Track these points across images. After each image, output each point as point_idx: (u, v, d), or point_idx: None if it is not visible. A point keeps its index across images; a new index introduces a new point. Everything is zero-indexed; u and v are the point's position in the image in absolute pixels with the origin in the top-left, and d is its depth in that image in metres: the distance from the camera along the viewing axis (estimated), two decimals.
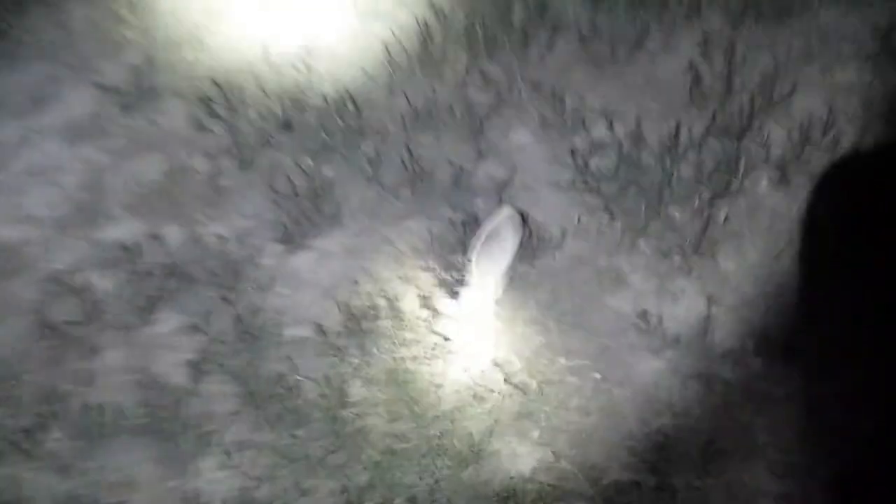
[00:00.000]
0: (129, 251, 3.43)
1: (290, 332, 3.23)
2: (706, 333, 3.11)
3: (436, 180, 3.59)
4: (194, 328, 3.21)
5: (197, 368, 3.12)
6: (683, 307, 3.25)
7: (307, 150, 3.69)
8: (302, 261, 3.45)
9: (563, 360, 3.14)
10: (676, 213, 3.39)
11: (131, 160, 3.77)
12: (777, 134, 3.49)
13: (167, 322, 3.28)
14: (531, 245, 3.35)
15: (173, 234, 3.55)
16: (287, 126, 3.77)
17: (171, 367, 3.16)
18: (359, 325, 3.12)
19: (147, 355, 3.20)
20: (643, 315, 3.21)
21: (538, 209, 3.53)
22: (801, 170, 3.43)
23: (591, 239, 3.43)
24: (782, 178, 3.41)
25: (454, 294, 3.27)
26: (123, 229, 3.55)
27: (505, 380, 3.05)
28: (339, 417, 2.91)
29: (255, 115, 3.85)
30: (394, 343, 3.10)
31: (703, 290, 3.26)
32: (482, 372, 3.09)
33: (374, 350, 3.08)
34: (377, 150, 3.66)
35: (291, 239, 3.46)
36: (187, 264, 3.39)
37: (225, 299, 3.28)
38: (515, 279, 3.33)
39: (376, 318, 3.16)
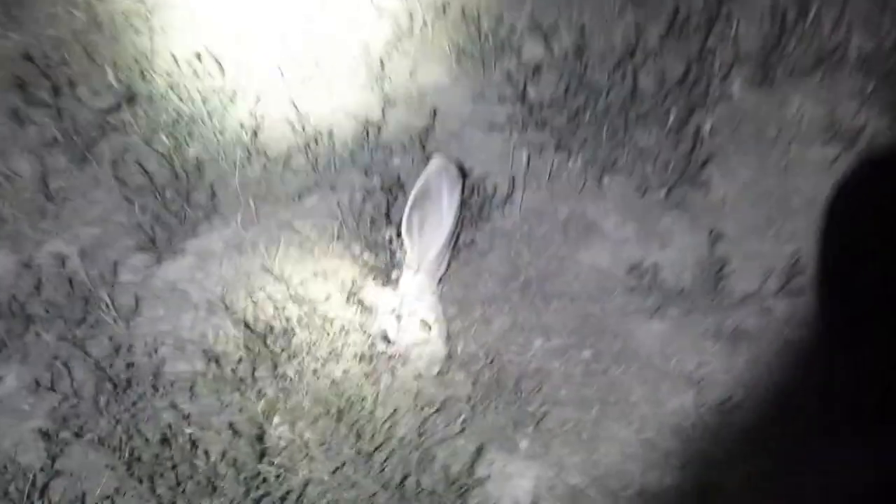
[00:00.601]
0: None
1: (172, 368, 2.36)
2: (715, 278, 2.43)
3: (336, 140, 2.77)
4: (39, 385, 2.29)
5: (52, 440, 2.21)
6: (676, 250, 2.57)
7: (160, 126, 2.79)
8: (174, 270, 2.59)
9: (539, 342, 2.42)
10: (645, 137, 2.69)
11: None
12: (747, 24, 2.84)
13: (3, 382, 2.35)
14: (473, 204, 2.59)
15: None
16: (130, 100, 2.86)
17: (18, 442, 2.24)
18: (265, 345, 2.29)
19: None
20: (632, 269, 2.51)
21: (474, 158, 2.79)
22: (782, 63, 2.79)
23: (545, 185, 2.72)
24: (761, 76, 2.76)
25: (387, 281, 2.48)
26: None
27: (473, 381, 2.29)
28: (257, 477, 2.07)
29: (87, 92, 2.91)
30: (317, 360, 2.29)
31: (696, 224, 2.59)
32: (441, 376, 2.32)
33: (292, 375, 2.25)
34: (253, 112, 2.81)
35: (156, 244, 2.57)
36: (19, 299, 2.44)
37: (74, 340, 2.37)
38: (461, 250, 2.57)
39: (288, 330, 2.33)
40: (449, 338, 2.40)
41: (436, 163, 2.38)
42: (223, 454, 2.15)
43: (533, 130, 2.77)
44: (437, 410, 2.27)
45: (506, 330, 2.45)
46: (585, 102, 2.73)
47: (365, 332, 2.37)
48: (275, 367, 2.30)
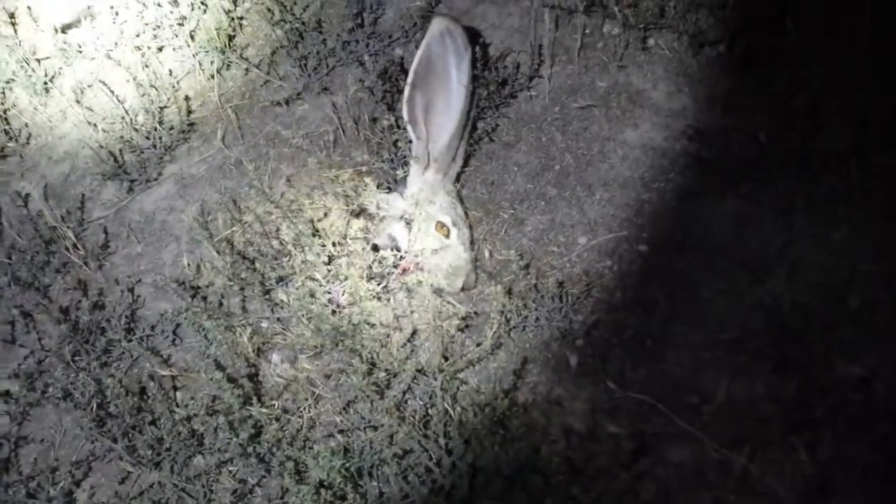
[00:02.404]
0: None
1: (152, 309, 2.00)
2: (799, 136, 1.94)
3: (326, 34, 2.36)
4: (3, 341, 1.96)
5: (16, 402, 1.87)
6: (746, 112, 2.08)
7: (123, 40, 2.40)
8: (151, 200, 2.23)
9: (584, 240, 1.97)
10: None
11: None
12: None
13: None
14: (492, 83, 2.13)
15: None
16: (89, 16, 2.48)
17: None
18: (255, 270, 1.90)
19: None
20: (691, 140, 2.04)
21: (490, 35, 2.32)
22: None
23: (577, 55, 2.23)
24: None
25: (392, 185, 2.06)
26: None
27: (506, 291, 1.85)
28: (252, 423, 1.69)
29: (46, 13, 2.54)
30: (317, 282, 1.88)
31: (770, 76, 2.09)
32: (464, 291, 1.90)
33: (287, 300, 1.86)
34: (230, 11, 2.39)
35: (127, 172, 2.21)
36: None
37: (38, 287, 2.03)
38: (481, 140, 2.13)
39: (282, 252, 1.94)
40: (473, 243, 1.97)
41: (438, 24, 1.93)
42: (213, 400, 1.79)
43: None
44: (465, 328, 1.86)
45: (543, 230, 2.01)
46: None
47: (371, 244, 1.95)
48: (267, 293, 1.92)
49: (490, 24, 2.37)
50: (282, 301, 1.87)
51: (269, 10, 2.34)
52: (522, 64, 2.21)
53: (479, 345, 1.82)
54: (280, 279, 1.88)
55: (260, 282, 1.89)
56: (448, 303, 1.90)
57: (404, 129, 1.94)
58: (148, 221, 2.19)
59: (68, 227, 2.11)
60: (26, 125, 2.44)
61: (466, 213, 2.02)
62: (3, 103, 2.45)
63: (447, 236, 1.91)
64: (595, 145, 2.12)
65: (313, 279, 1.89)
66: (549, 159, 2.13)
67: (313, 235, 1.99)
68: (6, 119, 2.42)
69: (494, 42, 2.31)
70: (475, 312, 1.89)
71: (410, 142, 1.95)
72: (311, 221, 2.03)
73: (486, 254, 1.97)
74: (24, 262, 2.06)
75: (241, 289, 1.92)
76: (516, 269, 1.91)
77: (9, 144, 2.38)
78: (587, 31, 2.25)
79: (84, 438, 1.79)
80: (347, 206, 2.05)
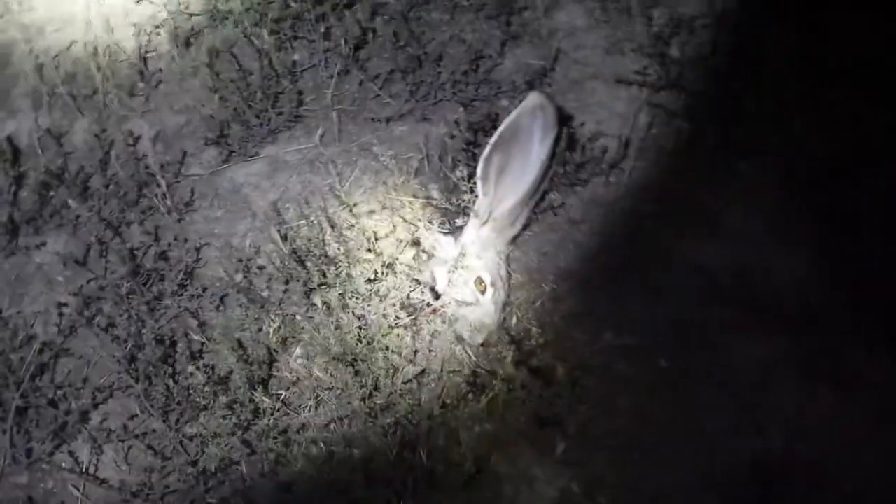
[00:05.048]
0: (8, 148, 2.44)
1: (210, 272, 2.19)
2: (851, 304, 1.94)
3: (444, 68, 2.47)
4: (76, 261, 2.19)
5: (72, 316, 2.10)
6: (809, 264, 2.08)
7: (266, 21, 2.61)
8: (243, 173, 2.42)
9: (610, 336, 2.02)
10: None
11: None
12: None
13: (46, 248, 2.28)
14: (573, 162, 2.20)
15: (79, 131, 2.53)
16: None
17: (40, 311, 2.15)
18: (304, 268, 2.05)
19: (9, 291, 2.21)
20: (742, 276, 2.06)
21: (589, 112, 2.40)
22: None
23: (664, 159, 2.28)
24: None
25: (451, 228, 2.17)
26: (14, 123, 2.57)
27: (518, 361, 1.94)
28: (251, 407, 1.85)
29: None
30: (355, 296, 2.02)
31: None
32: (483, 347, 1.99)
33: (322, 305, 2.00)
34: (364, 23, 2.55)
35: (229, 142, 2.41)
36: (87, 171, 2.37)
37: (122, 221, 2.26)
38: (546, 211, 2.21)
39: (333, 258, 2.09)
40: (506, 307, 2.06)
41: (532, 99, 2.02)
42: (229, 373, 1.95)
43: (666, 93, 2.34)
44: (470, 383, 1.96)
45: (575, 314, 2.08)
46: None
47: (412, 277, 2.08)
48: (308, 293, 2.07)
49: (595, 101, 2.45)
50: (316, 303, 2.01)
51: (396, 33, 2.48)
52: (609, 150, 2.27)
53: (477, 402, 1.91)
54: (323, 283, 2.02)
55: (304, 280, 2.04)
56: (464, 352, 2.00)
57: (475, 182, 2.04)
58: (234, 191, 2.38)
59: (164, 176, 2.32)
60: (160, 70, 2.67)
61: (510, 275, 2.12)
62: (148, 44, 2.69)
63: (483, 292, 2.01)
64: (653, 250, 2.17)
65: (353, 293, 2.03)
66: (605, 249, 2.19)
67: (367, 251, 2.13)
68: (145, 60, 2.66)
69: (591, 121, 2.38)
70: (485, 370, 1.98)
71: (477, 196, 2.05)
72: (370, 238, 2.17)
73: (514, 319, 2.05)
74: (117, 195, 2.28)
75: (287, 281, 2.07)
76: (536, 343, 1.99)
77: (140, 84, 2.62)
78: (682, 139, 2.29)
79: (113, 369, 1.99)
80: (408, 233, 2.18)
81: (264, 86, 2.49)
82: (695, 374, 1.96)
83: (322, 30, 2.58)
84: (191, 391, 1.92)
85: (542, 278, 2.15)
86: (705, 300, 2.08)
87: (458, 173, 2.19)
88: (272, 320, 2.01)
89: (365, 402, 1.84)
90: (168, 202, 2.30)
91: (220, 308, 2.10)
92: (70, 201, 2.21)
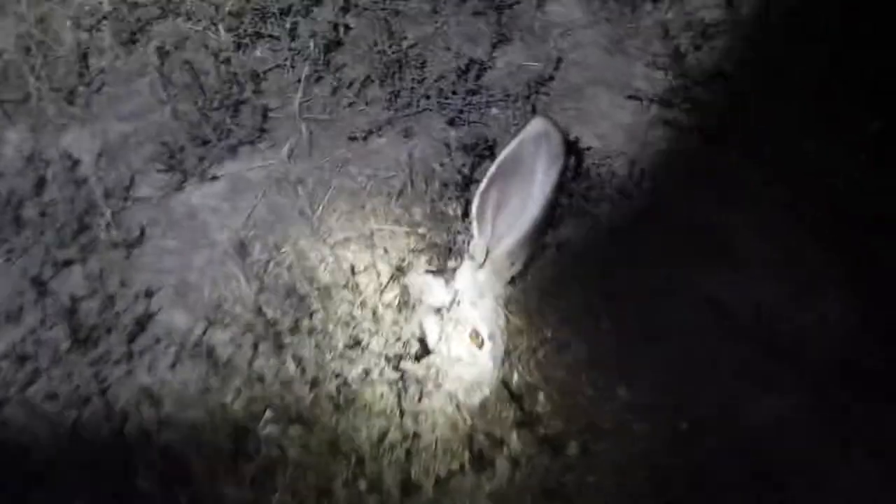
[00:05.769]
0: None
1: (165, 318, 1.90)
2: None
3: (427, 74, 2.18)
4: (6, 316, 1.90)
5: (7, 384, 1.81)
6: (839, 305, 1.87)
7: (222, 16, 2.28)
8: (200, 195, 2.11)
9: (623, 392, 1.80)
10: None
11: None
12: None
13: None
14: (579, 189, 1.95)
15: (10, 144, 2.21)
16: None
17: None
18: (270, 316, 1.78)
19: None
20: (757, 310, 1.84)
21: (592, 128, 2.13)
22: None
23: (682, 181, 2.04)
24: None
25: (442, 269, 1.91)
26: None
27: (521, 423, 1.71)
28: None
29: None
30: (330, 348, 1.76)
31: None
32: (482, 407, 1.75)
33: (293, 362, 1.74)
34: (337, 21, 2.24)
35: (182, 162, 2.10)
36: (18, 194, 2.06)
37: (57, 262, 1.95)
38: (549, 246, 1.96)
39: (306, 303, 1.82)
40: (505, 358, 1.82)
41: (537, 125, 1.76)
42: (195, 447, 1.69)
43: (681, 109, 2.08)
44: (468, 450, 1.72)
45: (585, 363, 1.85)
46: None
47: (400, 327, 1.82)
48: (279, 347, 1.80)
49: (597, 110, 2.19)
50: (288, 360, 1.75)
51: (371, 30, 2.18)
52: (617, 173, 2.02)
53: (476, 474, 1.69)
54: (293, 330, 1.76)
55: (273, 332, 1.77)
56: (459, 414, 1.77)
57: (469, 221, 1.78)
58: (190, 217, 2.09)
59: (107, 201, 2.02)
60: (103, 71, 2.34)
61: (508, 320, 1.87)
62: (88, 41, 2.35)
63: (480, 347, 1.77)
64: (669, 284, 1.93)
65: (330, 345, 1.77)
66: (615, 286, 1.95)
67: (343, 287, 1.87)
68: (85, 59, 2.33)
69: (593, 136, 2.12)
70: (484, 434, 1.75)
71: (472, 236, 1.80)
72: (346, 274, 1.90)
73: (515, 375, 1.82)
74: (54, 228, 1.97)
75: (255, 344, 1.80)
76: (541, 407, 1.76)
77: (80, 88, 2.28)
78: (701, 160, 2.04)
79: (51, 446, 1.71)
80: (389, 267, 1.92)
81: (222, 92, 2.19)
82: (724, 433, 1.74)
83: (288, 25, 2.27)
84: (147, 470, 1.65)
85: (543, 322, 1.91)
86: (719, 339, 1.86)
87: (447, 202, 1.92)
88: (245, 384, 1.74)
89: (349, 487, 1.59)
90: (114, 233, 1.99)
91: (174, 366, 1.82)
92: None
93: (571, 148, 1.89)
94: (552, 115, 2.12)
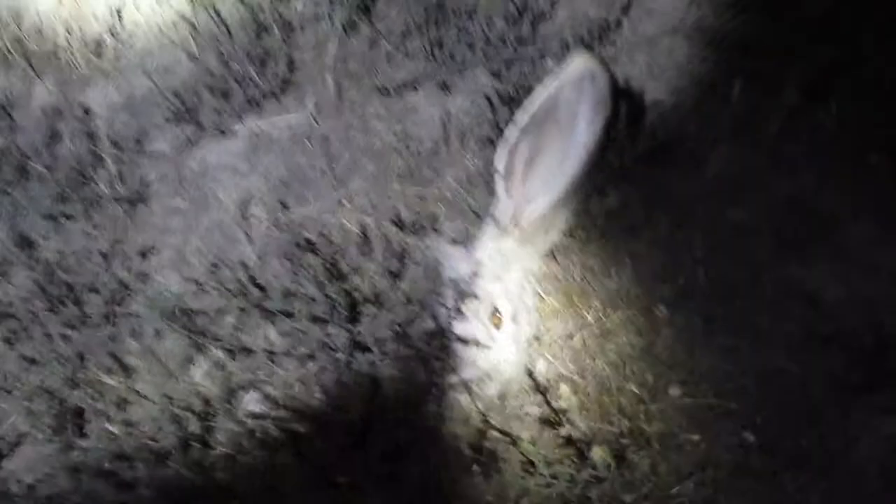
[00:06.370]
0: None
1: (161, 279, 1.72)
2: None
3: (474, 22, 1.91)
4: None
5: None
6: None
7: None
8: (217, 151, 1.92)
9: (675, 393, 1.46)
10: None
11: None
12: None
13: None
14: (636, 149, 1.62)
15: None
16: None
17: None
18: (264, 291, 1.56)
19: None
20: (862, 311, 1.46)
21: (661, 78, 1.80)
22: None
23: (765, 142, 1.67)
24: None
25: (466, 237, 1.63)
26: None
27: (545, 421, 1.40)
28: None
29: None
30: (329, 321, 1.51)
31: None
32: (499, 399, 1.46)
33: (275, 339, 1.51)
34: None
35: (200, 116, 1.92)
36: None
37: (57, 214, 1.81)
38: (596, 215, 1.64)
39: (309, 269, 1.59)
40: (532, 343, 1.52)
41: (578, 65, 1.45)
42: (157, 430, 1.49)
43: (771, 54, 1.72)
44: (476, 450, 1.43)
45: (630, 356, 1.52)
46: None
47: (411, 300, 1.55)
48: (267, 317, 1.58)
49: (673, 64, 1.84)
50: (272, 337, 1.52)
51: None
52: (688, 132, 1.68)
53: (484, 478, 1.39)
54: (285, 311, 1.52)
55: (258, 309, 1.55)
56: (472, 406, 1.48)
57: (494, 179, 1.49)
58: (202, 174, 1.91)
59: (120, 154, 1.86)
60: (136, 25, 2.19)
61: (542, 300, 1.57)
62: None
63: (498, 328, 1.47)
64: (746, 271, 1.57)
65: (319, 318, 1.53)
66: (678, 264, 1.61)
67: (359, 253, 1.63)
68: (120, 15, 2.19)
69: (665, 91, 1.78)
70: (499, 432, 1.46)
71: (496, 195, 1.51)
72: (362, 237, 1.66)
73: (543, 364, 1.51)
74: (58, 180, 1.83)
75: (242, 309, 1.58)
76: (573, 402, 1.44)
77: (109, 41, 2.15)
78: (791, 116, 1.67)
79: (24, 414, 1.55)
80: (411, 235, 1.66)
81: (249, 41, 1.99)
82: (789, 455, 1.37)
83: None
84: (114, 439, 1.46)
85: (586, 304, 1.59)
86: (810, 344, 1.48)
87: (485, 163, 1.64)
88: (228, 360, 1.52)
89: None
90: (119, 189, 1.83)
91: (162, 333, 1.63)
92: None
93: (622, 94, 1.57)
94: (620, 66, 1.80)
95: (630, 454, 1.41)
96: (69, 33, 2.16)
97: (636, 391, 1.48)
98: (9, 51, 2.16)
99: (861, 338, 1.44)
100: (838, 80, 1.63)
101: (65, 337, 1.59)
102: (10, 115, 2.05)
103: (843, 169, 1.59)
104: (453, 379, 1.47)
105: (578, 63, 1.45)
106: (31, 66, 2.13)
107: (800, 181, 1.59)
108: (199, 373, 1.53)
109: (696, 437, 1.43)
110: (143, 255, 1.74)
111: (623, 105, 1.53)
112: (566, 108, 1.45)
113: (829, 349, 1.43)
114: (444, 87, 1.89)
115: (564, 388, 1.45)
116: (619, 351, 1.53)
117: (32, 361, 1.60)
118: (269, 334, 1.52)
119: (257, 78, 1.96)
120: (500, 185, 1.48)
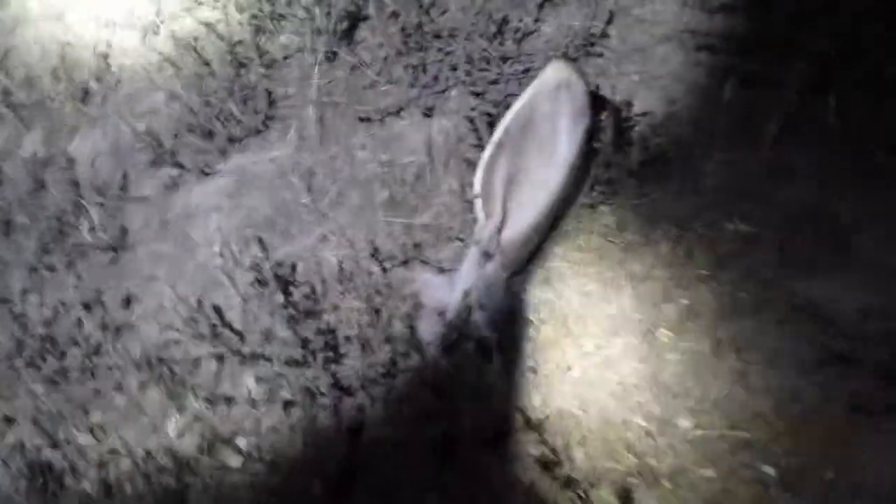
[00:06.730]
0: None
1: (142, 332, 1.65)
2: None
3: (459, 41, 1.84)
4: None
5: None
6: None
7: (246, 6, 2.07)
8: (201, 192, 1.87)
9: (686, 424, 1.33)
10: None
11: None
12: None
13: None
14: (627, 162, 1.52)
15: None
16: None
17: None
18: (241, 338, 1.48)
19: None
20: (878, 323, 1.32)
21: (656, 87, 1.71)
22: None
23: (767, 149, 1.56)
24: None
25: (453, 265, 1.54)
26: None
27: (540, 463, 1.29)
28: None
29: None
30: (309, 364, 1.42)
31: None
32: (499, 443, 1.35)
33: (252, 388, 1.42)
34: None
35: (180, 158, 1.88)
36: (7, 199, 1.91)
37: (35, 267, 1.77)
38: (586, 231, 1.54)
39: (287, 310, 1.51)
40: (524, 375, 1.41)
41: (555, 72, 1.36)
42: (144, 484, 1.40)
43: (768, 55, 1.61)
44: None
45: (635, 385, 1.40)
46: None
47: (395, 336, 1.45)
48: (245, 364, 1.49)
49: (667, 72, 1.74)
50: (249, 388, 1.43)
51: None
52: (684, 142, 1.57)
53: None
54: (263, 356, 1.44)
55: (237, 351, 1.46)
56: (467, 448, 1.36)
57: (472, 200, 1.40)
58: (186, 217, 1.85)
59: (103, 201, 1.82)
60: (122, 69, 2.17)
61: (534, 327, 1.46)
62: (111, 37, 2.21)
63: (488, 360, 1.36)
64: (758, 288, 1.44)
65: (298, 361, 1.44)
66: (679, 286, 1.49)
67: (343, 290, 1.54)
68: (107, 61, 2.17)
69: (660, 100, 1.68)
70: (497, 476, 1.34)
71: (474, 214, 1.42)
72: (342, 278, 1.57)
73: (539, 399, 1.39)
74: (41, 232, 1.79)
75: (220, 358, 1.50)
76: (573, 436, 1.32)
77: (94, 87, 2.13)
78: (793, 120, 1.55)
79: None
80: (387, 259, 1.57)
81: (230, 78, 1.95)
82: (813, 489, 1.23)
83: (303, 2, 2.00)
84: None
85: (583, 331, 1.47)
86: (826, 364, 1.34)
87: (471, 186, 1.55)
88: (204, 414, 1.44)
89: None
90: (102, 236, 1.78)
91: (140, 389, 1.55)
92: None
93: (608, 106, 1.46)
94: (609, 78, 1.71)
95: (638, 494, 1.28)
96: (57, 82, 2.14)
97: (643, 424, 1.36)
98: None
99: (879, 353, 1.30)
100: (837, 75, 1.50)
101: (46, 392, 1.52)
102: None
103: (849, 170, 1.46)
104: (442, 418, 1.36)
105: (553, 71, 1.35)
106: (20, 118, 2.11)
107: (803, 187, 1.47)
108: (178, 426, 1.44)
109: (709, 473, 1.29)
110: (127, 303, 1.68)
111: (609, 116, 1.43)
112: (544, 121, 1.36)
113: (846, 368, 1.29)
114: (428, 111, 1.81)
115: (563, 424, 1.33)
116: (622, 381, 1.41)
117: (11, 420, 1.53)
118: (248, 382, 1.43)
119: (239, 115, 1.91)
120: (477, 207, 1.38)
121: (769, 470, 1.27)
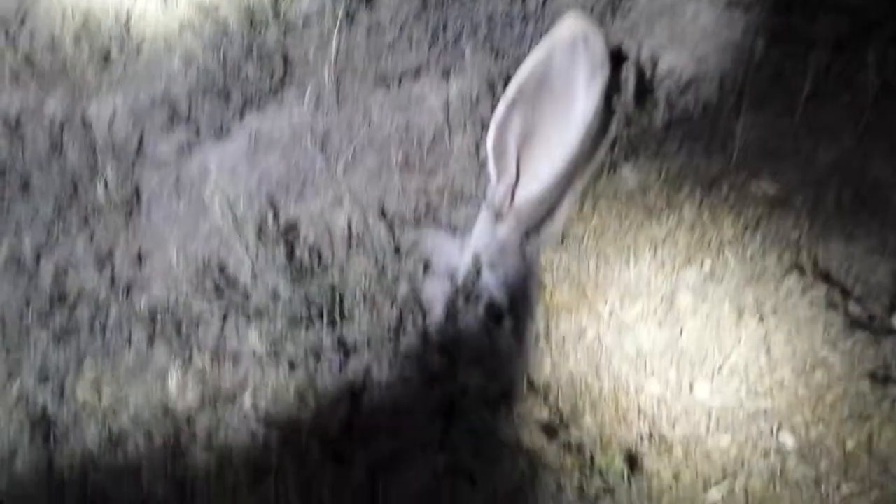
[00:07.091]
0: None
1: (152, 288, 1.65)
2: None
3: (479, 3, 1.79)
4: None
5: None
6: None
7: None
8: (217, 153, 1.85)
9: (702, 392, 1.29)
10: None
11: None
12: None
13: None
14: (650, 120, 1.46)
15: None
16: None
17: None
18: (245, 295, 1.47)
19: None
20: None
21: (685, 46, 1.64)
22: None
23: (800, 110, 1.48)
24: None
25: (468, 226, 1.50)
26: None
27: (549, 428, 1.25)
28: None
29: None
30: (314, 324, 1.40)
31: None
32: (506, 406, 1.32)
33: (260, 347, 1.40)
34: None
35: (197, 119, 1.86)
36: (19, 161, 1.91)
37: (51, 235, 1.77)
38: (607, 192, 1.49)
39: (296, 269, 1.49)
40: (537, 340, 1.37)
41: (569, 27, 1.30)
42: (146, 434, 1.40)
43: (803, 13, 1.53)
44: (475, 476, 1.28)
45: (654, 352, 1.35)
46: None
47: (403, 296, 1.42)
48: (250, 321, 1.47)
49: (698, 30, 1.67)
50: (256, 343, 1.41)
51: None
52: (711, 102, 1.51)
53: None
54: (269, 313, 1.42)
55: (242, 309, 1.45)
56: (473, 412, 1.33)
57: (484, 160, 1.36)
58: (202, 179, 1.83)
59: (118, 162, 1.81)
60: (142, 34, 2.16)
61: (548, 292, 1.42)
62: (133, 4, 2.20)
63: (498, 323, 1.33)
64: (792, 253, 1.38)
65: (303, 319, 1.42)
66: (704, 250, 1.43)
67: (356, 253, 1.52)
68: (128, 26, 2.16)
69: (689, 58, 1.61)
70: (502, 440, 1.30)
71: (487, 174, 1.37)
72: (352, 238, 1.55)
73: (548, 364, 1.35)
74: (57, 193, 1.79)
75: (225, 316, 1.49)
76: (584, 401, 1.28)
77: (114, 52, 2.12)
78: (824, 75, 1.47)
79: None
80: (412, 228, 1.54)
81: (248, 41, 1.92)
82: (833, 461, 1.18)
83: None
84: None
85: (600, 297, 1.43)
86: (853, 333, 1.28)
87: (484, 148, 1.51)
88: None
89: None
90: (115, 197, 1.77)
91: (148, 345, 1.55)
92: None
93: (621, 57, 1.41)
94: (637, 39, 1.64)
95: (647, 461, 1.24)
96: (78, 47, 2.13)
97: (658, 390, 1.31)
98: (20, 68, 2.16)
99: None
100: (875, 30, 1.42)
101: (53, 347, 1.53)
102: (19, 130, 2.04)
103: (886, 128, 1.38)
104: (449, 380, 1.33)
105: (569, 25, 1.30)
106: (41, 82, 2.11)
107: (836, 147, 1.39)
108: (181, 383, 1.43)
109: (724, 441, 1.24)
110: (138, 261, 1.68)
111: (630, 72, 1.37)
112: (560, 76, 1.30)
113: (875, 336, 1.22)
114: (446, 72, 1.77)
115: (573, 389, 1.29)
116: (638, 346, 1.36)
117: (17, 373, 1.55)
118: (252, 339, 1.41)
119: (256, 77, 1.88)
120: (491, 166, 1.33)
121: (788, 440, 1.21)
